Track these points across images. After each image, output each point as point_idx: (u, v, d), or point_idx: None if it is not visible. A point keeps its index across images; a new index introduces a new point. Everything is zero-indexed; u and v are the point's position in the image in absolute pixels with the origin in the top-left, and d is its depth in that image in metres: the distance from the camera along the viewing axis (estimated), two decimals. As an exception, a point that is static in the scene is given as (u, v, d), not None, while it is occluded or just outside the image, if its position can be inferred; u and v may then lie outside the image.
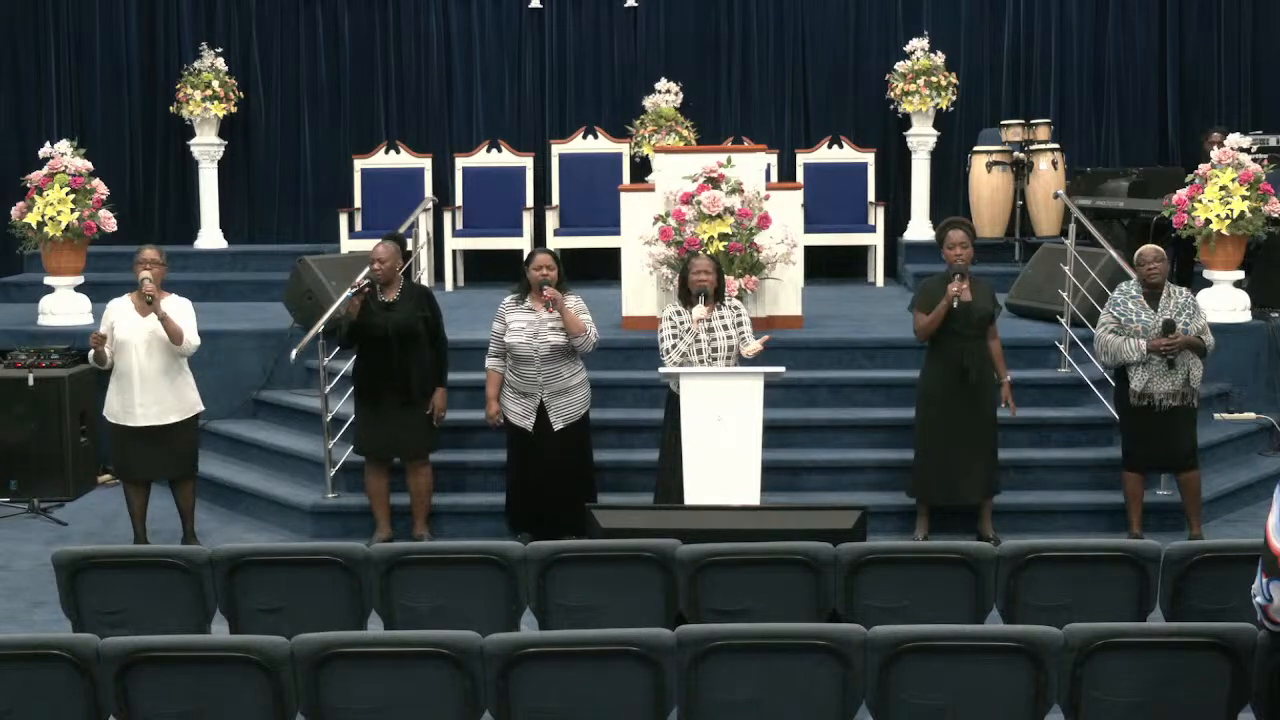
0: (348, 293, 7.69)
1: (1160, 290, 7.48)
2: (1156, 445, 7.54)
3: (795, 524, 5.89)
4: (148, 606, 5.07)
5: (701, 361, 7.29)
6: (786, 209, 9.31)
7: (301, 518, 8.16)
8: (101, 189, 9.59)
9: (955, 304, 7.40)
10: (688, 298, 7.41)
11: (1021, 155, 11.35)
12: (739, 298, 8.57)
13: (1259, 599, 3.90)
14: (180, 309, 7.57)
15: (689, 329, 7.28)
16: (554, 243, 11.28)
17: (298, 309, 9.49)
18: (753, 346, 7.28)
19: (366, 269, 7.80)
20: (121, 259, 11.05)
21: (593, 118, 12.28)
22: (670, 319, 7.40)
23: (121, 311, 7.56)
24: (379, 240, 7.81)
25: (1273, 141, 10.57)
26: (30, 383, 8.90)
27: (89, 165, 9.61)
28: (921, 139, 11.97)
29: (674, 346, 7.29)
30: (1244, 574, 5.08)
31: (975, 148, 11.81)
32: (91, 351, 7.56)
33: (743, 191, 9.03)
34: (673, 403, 7.25)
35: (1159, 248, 7.63)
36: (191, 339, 7.55)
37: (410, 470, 7.78)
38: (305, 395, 9.10)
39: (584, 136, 12.06)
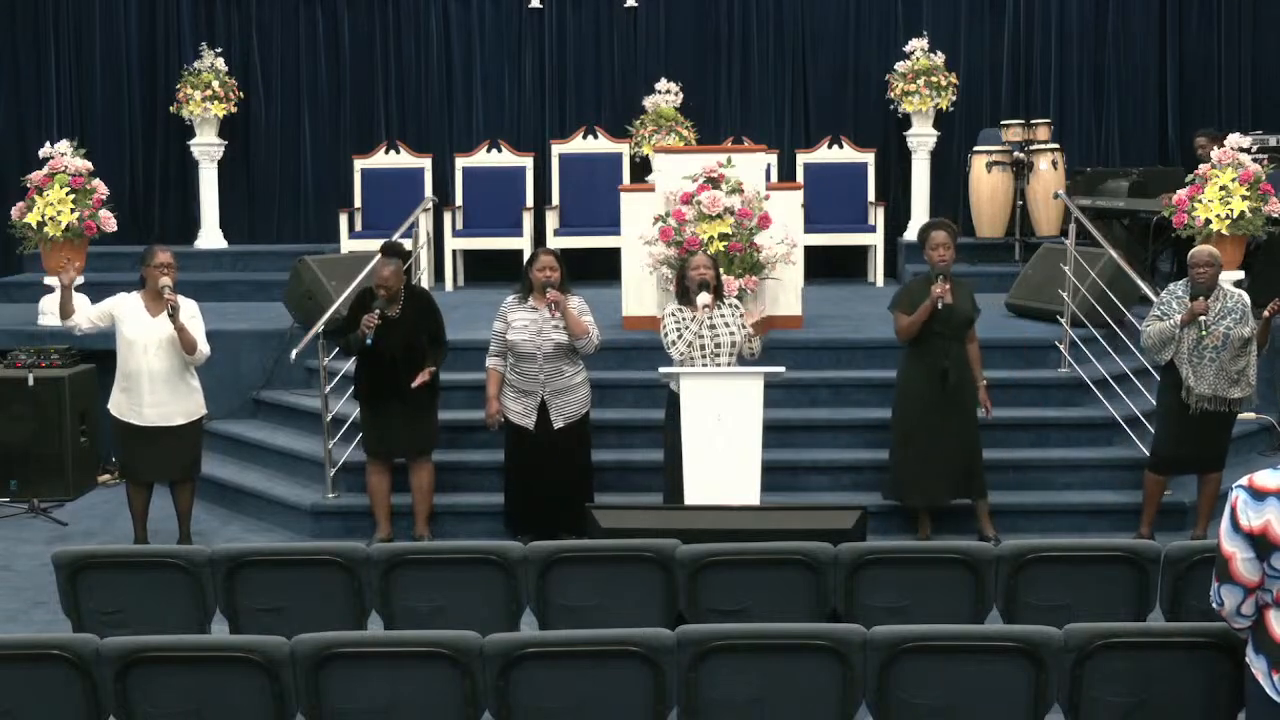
0: (352, 298, 7.63)
1: (1208, 294, 7.34)
2: (1192, 448, 7.46)
3: (795, 524, 5.88)
4: (148, 606, 5.06)
5: (705, 357, 7.29)
6: (786, 209, 9.31)
7: (301, 518, 8.16)
8: (101, 189, 9.60)
9: (939, 306, 7.38)
10: (685, 296, 7.42)
11: (1021, 155, 11.35)
12: (739, 297, 8.57)
13: (1214, 604, 3.94)
14: (190, 312, 7.55)
15: (694, 318, 7.29)
16: (554, 243, 11.28)
17: (298, 309, 9.49)
18: (749, 331, 7.40)
19: (365, 274, 7.75)
20: (121, 259, 11.11)
21: (593, 118, 12.28)
22: (673, 314, 7.41)
23: (132, 309, 7.54)
24: (379, 256, 7.74)
25: (1273, 141, 10.56)
26: (30, 383, 8.90)
27: (89, 165, 9.62)
28: (921, 139, 11.98)
29: (680, 337, 7.29)
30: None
31: (975, 148, 11.81)
32: (60, 288, 7.57)
33: (743, 191, 9.03)
34: (674, 401, 7.24)
35: (1214, 250, 7.48)
36: (204, 348, 7.54)
37: (413, 468, 7.77)
38: (305, 395, 9.11)
39: (584, 136, 12.06)
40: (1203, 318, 7.24)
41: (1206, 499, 7.60)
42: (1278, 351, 9.18)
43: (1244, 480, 3.86)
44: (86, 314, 7.64)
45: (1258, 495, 3.80)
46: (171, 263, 7.50)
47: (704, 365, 7.30)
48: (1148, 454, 7.72)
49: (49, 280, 9.80)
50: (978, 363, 7.68)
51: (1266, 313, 7.50)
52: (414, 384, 7.55)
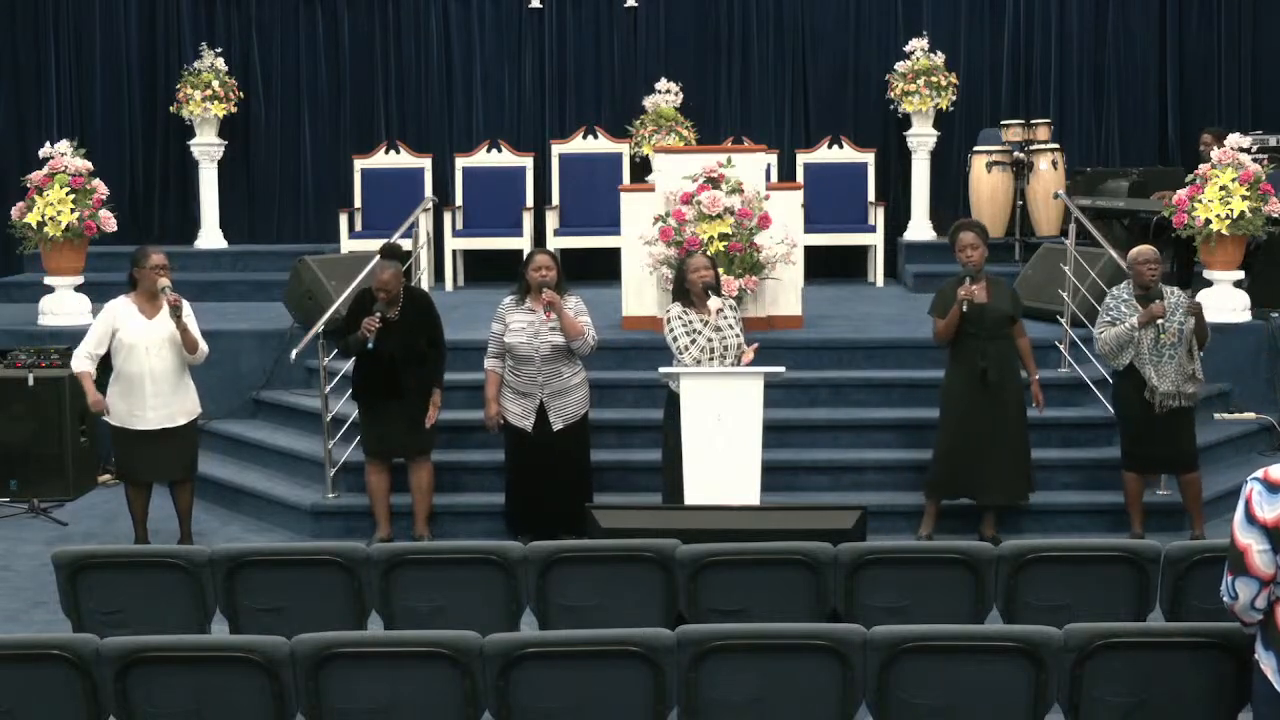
0: (351, 299, 7.64)
1: (1153, 292, 7.44)
2: (1157, 446, 7.54)
3: (795, 524, 5.88)
4: (148, 606, 5.06)
5: (712, 359, 7.27)
6: (786, 209, 9.31)
7: (301, 518, 8.16)
8: (101, 189, 9.60)
9: (965, 307, 7.40)
10: (686, 296, 7.39)
11: (1021, 155, 11.35)
12: (738, 298, 8.58)
13: (1226, 598, 3.95)
14: (185, 311, 7.54)
15: (706, 323, 7.27)
16: (554, 243, 11.29)
17: (298, 309, 9.49)
18: (746, 355, 7.29)
19: (364, 276, 7.74)
20: (121, 259, 11.05)
21: (593, 118, 12.28)
22: (679, 317, 7.35)
23: (126, 314, 7.53)
24: (377, 258, 7.75)
25: (1273, 141, 10.57)
26: (30, 383, 8.90)
27: (89, 165, 9.62)
28: (921, 139, 11.97)
29: (693, 343, 7.24)
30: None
31: (975, 148, 11.81)
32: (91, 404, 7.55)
33: (743, 191, 9.03)
34: (673, 401, 7.23)
35: (1156, 249, 7.61)
36: (204, 347, 7.57)
37: (412, 468, 7.77)
38: (305, 395, 9.11)
39: (584, 136, 12.06)
40: (1160, 320, 7.32)
41: (1192, 500, 7.64)
42: (1278, 352, 9.19)
43: (1259, 473, 3.90)
44: (92, 360, 7.55)
45: (1272, 488, 3.84)
46: (166, 264, 7.51)
47: (711, 366, 7.28)
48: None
49: (49, 280, 9.81)
50: (1029, 358, 7.73)
51: (1189, 310, 7.47)
52: (428, 423, 7.62)
